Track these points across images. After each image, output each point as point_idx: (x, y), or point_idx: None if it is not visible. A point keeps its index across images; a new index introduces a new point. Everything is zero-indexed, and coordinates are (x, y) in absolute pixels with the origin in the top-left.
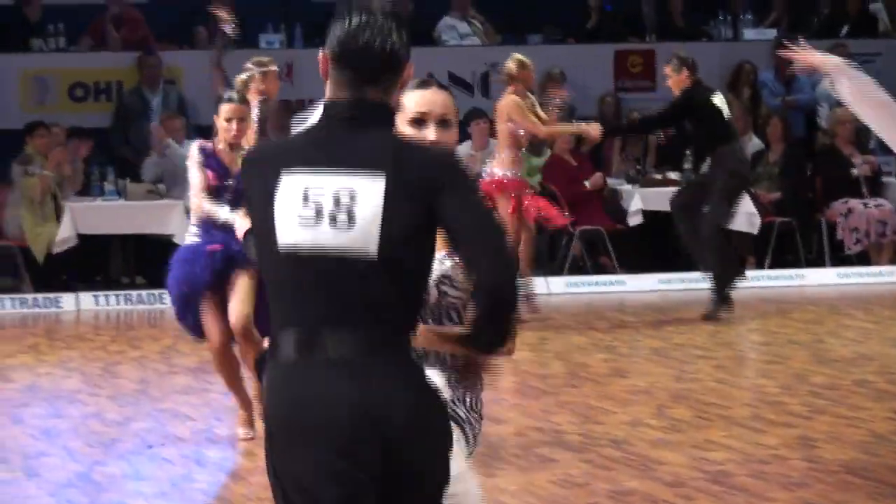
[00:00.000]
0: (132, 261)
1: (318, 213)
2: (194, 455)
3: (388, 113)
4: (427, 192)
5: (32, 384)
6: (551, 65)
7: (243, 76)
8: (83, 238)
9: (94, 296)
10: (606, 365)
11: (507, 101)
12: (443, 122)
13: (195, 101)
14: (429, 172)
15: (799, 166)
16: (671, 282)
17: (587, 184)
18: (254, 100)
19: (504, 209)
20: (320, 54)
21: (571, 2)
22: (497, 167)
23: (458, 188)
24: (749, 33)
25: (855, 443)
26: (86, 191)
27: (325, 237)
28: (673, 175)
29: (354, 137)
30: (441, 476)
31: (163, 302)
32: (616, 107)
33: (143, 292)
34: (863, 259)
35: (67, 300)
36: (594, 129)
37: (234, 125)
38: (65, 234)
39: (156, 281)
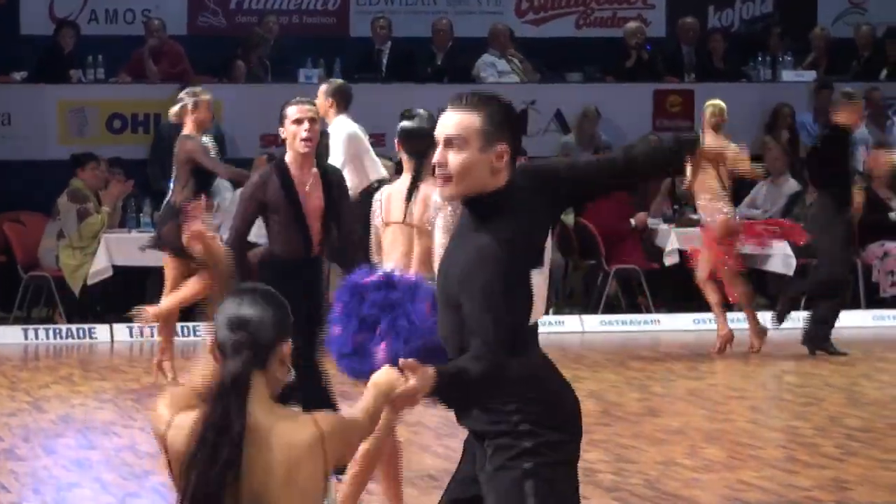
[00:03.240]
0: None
1: None
2: None
3: None
4: None
5: (66, 415)
6: (589, 103)
7: (175, 108)
8: (119, 270)
9: (129, 327)
10: (640, 404)
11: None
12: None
13: (233, 135)
14: None
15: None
16: (706, 321)
17: (633, 221)
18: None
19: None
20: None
21: (611, 41)
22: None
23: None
24: (788, 75)
25: (888, 486)
26: (122, 222)
27: None
28: None
29: None
30: None
31: (197, 334)
32: None
33: (178, 324)
34: None
35: (102, 331)
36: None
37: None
38: (100, 265)
39: (189, 314)
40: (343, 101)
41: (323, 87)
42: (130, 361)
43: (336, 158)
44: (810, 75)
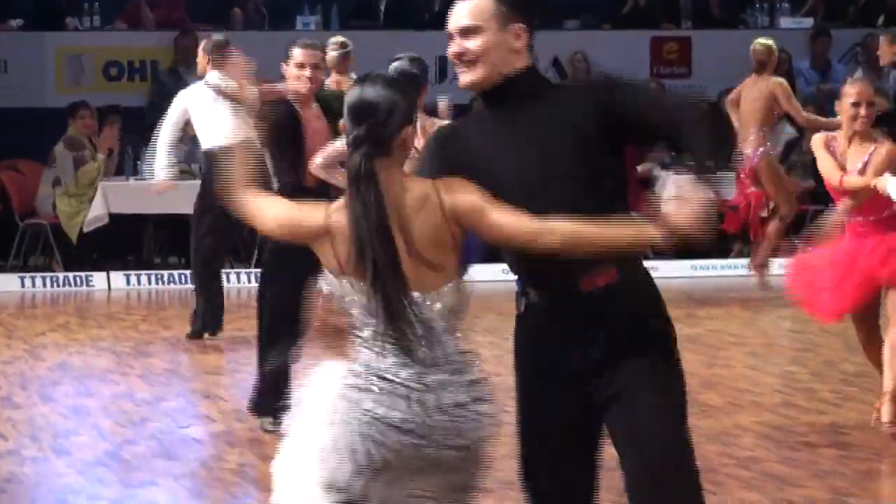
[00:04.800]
0: (164, 241)
1: None
2: (224, 435)
3: None
4: None
5: (63, 363)
6: (585, 50)
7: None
8: (116, 218)
9: (126, 275)
10: None
11: (775, 83)
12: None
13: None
14: None
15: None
16: (704, 268)
17: (638, 168)
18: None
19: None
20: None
21: None
22: (748, 147)
23: None
24: (785, 22)
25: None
26: (119, 170)
27: None
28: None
29: None
30: None
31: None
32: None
33: (175, 272)
34: None
35: (99, 279)
36: None
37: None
38: (96, 212)
39: (189, 261)
40: (219, 58)
41: (203, 44)
42: (128, 309)
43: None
44: (808, 22)
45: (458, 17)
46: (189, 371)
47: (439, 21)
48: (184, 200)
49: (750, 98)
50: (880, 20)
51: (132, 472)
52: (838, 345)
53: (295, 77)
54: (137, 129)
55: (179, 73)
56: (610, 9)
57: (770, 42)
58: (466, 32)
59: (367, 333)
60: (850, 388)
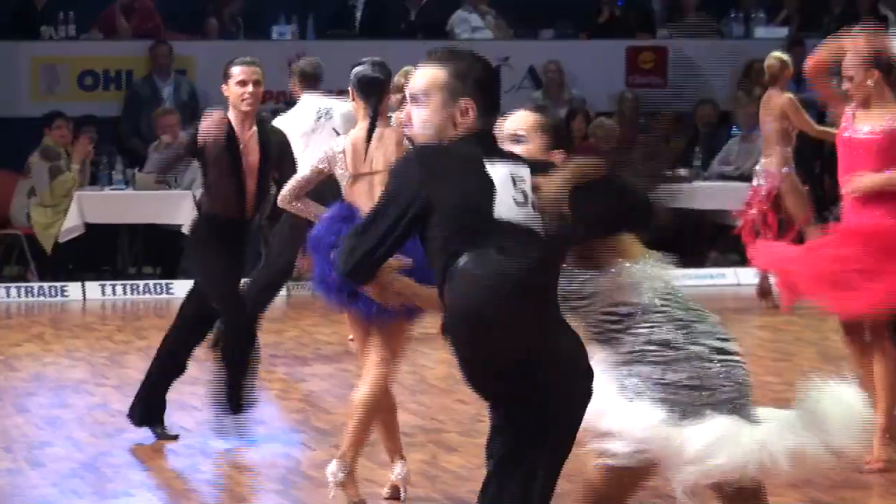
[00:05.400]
0: (140, 251)
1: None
2: (199, 445)
3: None
4: None
5: (38, 373)
6: (561, 59)
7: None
8: (91, 228)
9: (101, 285)
10: None
11: (785, 99)
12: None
13: (206, 91)
14: None
15: (808, 164)
16: (684, 278)
17: None
18: None
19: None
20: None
21: None
22: (772, 166)
23: None
24: (760, 31)
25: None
26: (94, 180)
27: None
28: (683, 171)
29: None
30: None
31: (170, 292)
32: (635, 105)
33: (150, 282)
34: None
35: (73, 289)
36: None
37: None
38: (71, 222)
39: (165, 271)
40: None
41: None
42: (103, 319)
43: None
44: (783, 31)
45: (412, 82)
46: None
47: (415, 31)
48: (158, 211)
49: (767, 118)
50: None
51: (107, 483)
52: (812, 354)
53: (237, 95)
54: (112, 138)
55: (154, 83)
56: (586, 18)
57: (784, 56)
58: (416, 99)
59: None
60: None
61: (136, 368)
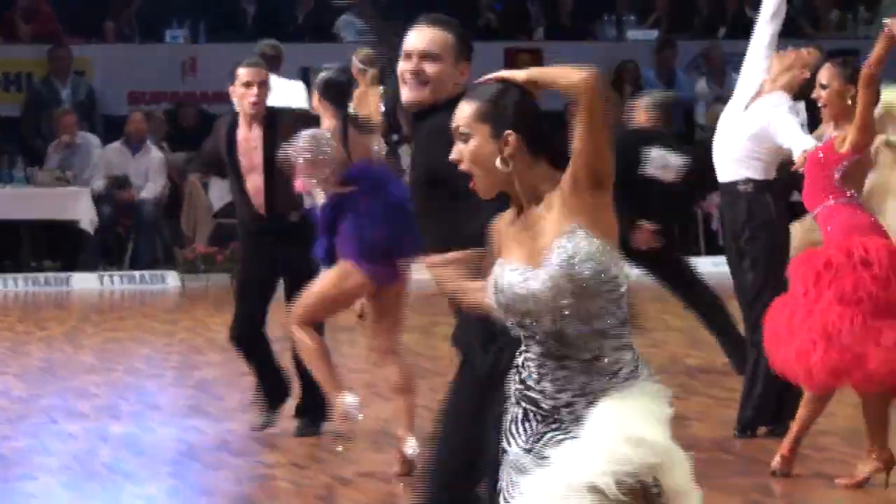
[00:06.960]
0: (42, 245)
1: None
2: (98, 431)
3: None
4: None
5: None
6: None
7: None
8: None
9: (3, 278)
10: None
11: None
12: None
13: (104, 92)
14: None
15: None
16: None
17: None
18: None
19: None
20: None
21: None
22: None
23: None
24: (632, 34)
25: (726, 421)
26: None
27: None
28: None
29: None
30: None
31: (69, 284)
32: None
33: (51, 275)
34: None
35: None
36: None
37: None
38: None
39: (64, 265)
40: None
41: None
42: (4, 310)
43: None
44: (653, 34)
45: (422, 40)
46: (64, 370)
47: (304, 32)
48: (56, 207)
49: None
50: (721, 32)
51: (10, 467)
52: (683, 341)
53: (241, 96)
54: (13, 138)
55: (53, 85)
56: (464, 20)
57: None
58: (427, 56)
59: None
60: (693, 381)
61: (37, 357)
